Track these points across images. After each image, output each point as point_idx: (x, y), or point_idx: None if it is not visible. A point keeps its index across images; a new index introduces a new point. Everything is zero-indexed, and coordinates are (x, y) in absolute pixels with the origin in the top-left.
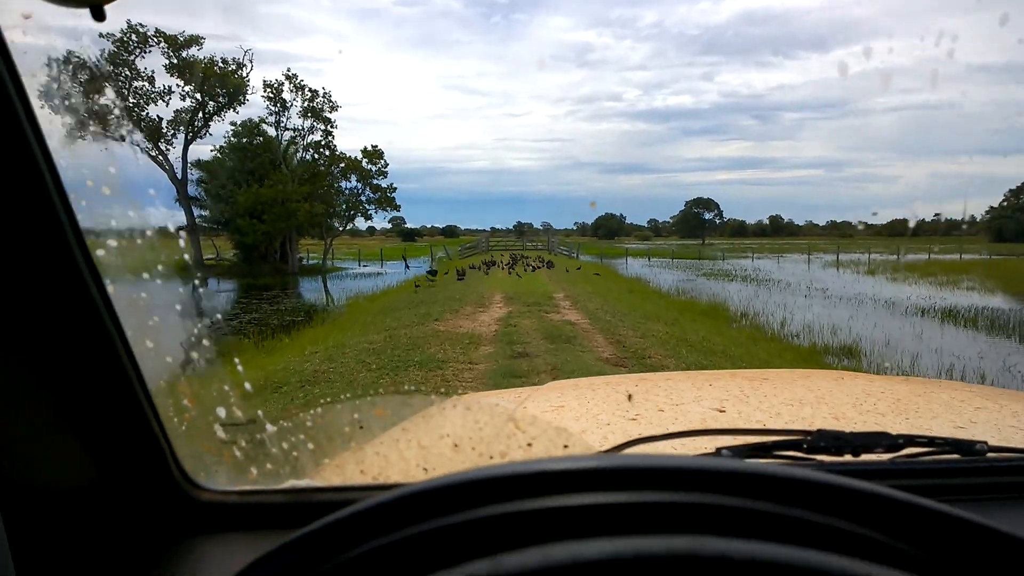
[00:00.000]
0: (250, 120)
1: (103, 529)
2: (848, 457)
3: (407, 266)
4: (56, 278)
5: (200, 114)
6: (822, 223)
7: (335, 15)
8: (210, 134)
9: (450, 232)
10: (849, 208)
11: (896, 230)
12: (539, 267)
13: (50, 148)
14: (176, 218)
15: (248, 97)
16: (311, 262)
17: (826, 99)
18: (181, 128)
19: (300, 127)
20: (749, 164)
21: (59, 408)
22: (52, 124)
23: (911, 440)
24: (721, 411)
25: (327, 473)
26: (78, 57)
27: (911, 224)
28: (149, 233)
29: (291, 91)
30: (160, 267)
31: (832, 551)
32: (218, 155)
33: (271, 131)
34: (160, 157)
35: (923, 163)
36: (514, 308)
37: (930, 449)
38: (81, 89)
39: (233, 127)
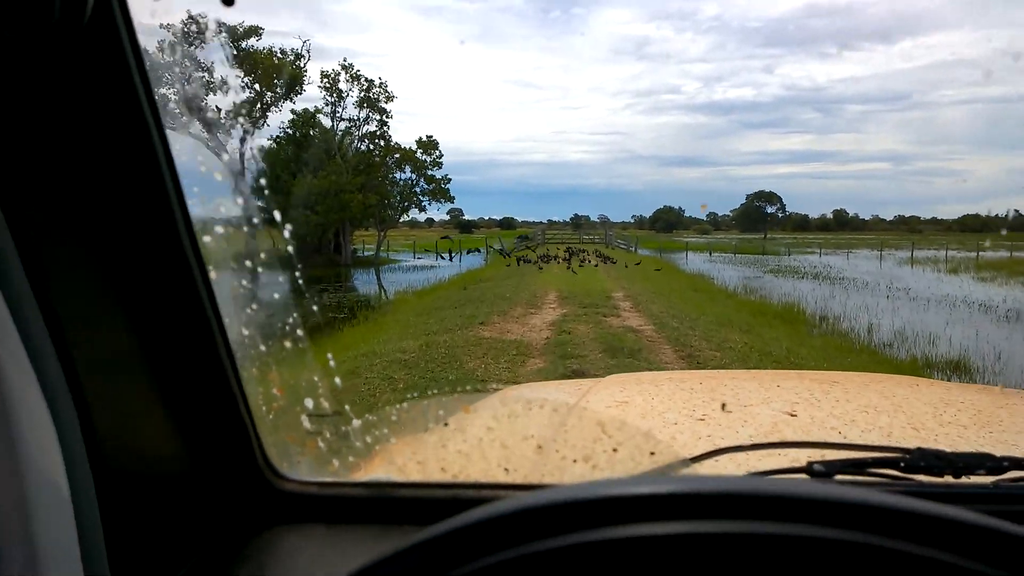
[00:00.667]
0: (306, 110)
1: (190, 514)
2: (948, 479)
3: (444, 255)
4: (164, 263)
5: (258, 105)
6: (889, 218)
7: (399, 10)
8: (267, 125)
9: (507, 224)
10: (916, 203)
11: (968, 226)
12: (597, 262)
13: (169, 141)
14: (233, 210)
15: (306, 88)
16: (366, 254)
17: (892, 91)
18: (239, 118)
19: (356, 117)
20: (811, 157)
21: (156, 393)
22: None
23: (1017, 463)
24: (792, 415)
25: (409, 468)
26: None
27: (985, 219)
28: (232, 225)
29: (347, 81)
30: (251, 257)
31: None
32: (275, 145)
33: (327, 122)
34: (218, 148)
35: (995, 157)
36: (569, 310)
37: None
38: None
39: (294, 115)
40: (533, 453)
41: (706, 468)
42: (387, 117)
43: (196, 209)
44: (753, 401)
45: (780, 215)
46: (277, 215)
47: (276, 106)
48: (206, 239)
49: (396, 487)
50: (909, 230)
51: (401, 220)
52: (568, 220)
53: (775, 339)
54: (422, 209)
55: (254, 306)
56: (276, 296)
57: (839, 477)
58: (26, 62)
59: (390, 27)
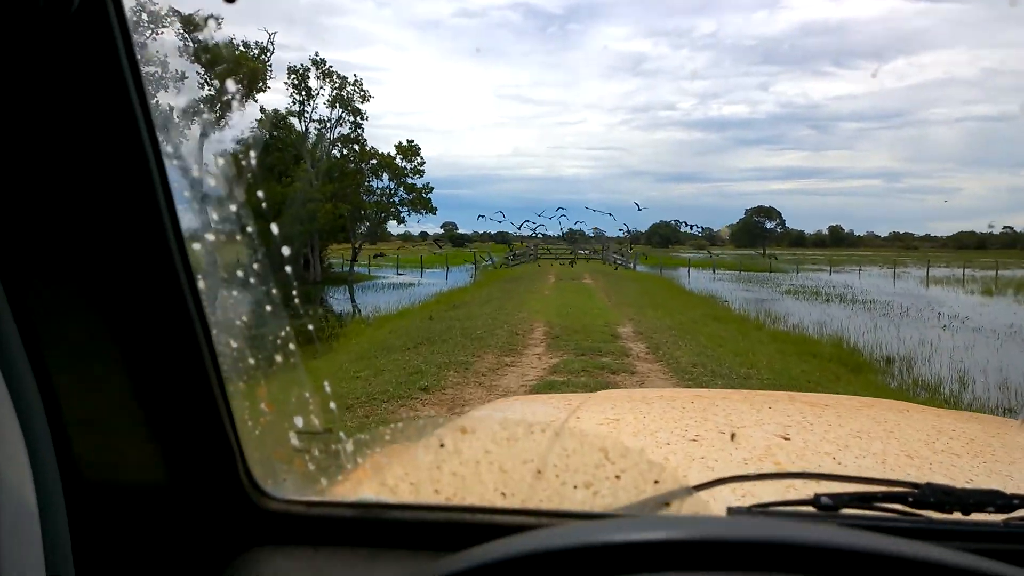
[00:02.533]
0: (276, 111)
1: (165, 531)
2: (957, 515)
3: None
4: (151, 270)
5: (218, 104)
6: (883, 234)
7: (396, 25)
8: (229, 126)
9: (502, 238)
10: (909, 219)
11: (963, 242)
12: (593, 282)
13: (162, 153)
14: (210, 218)
15: (270, 84)
16: (345, 269)
17: (885, 109)
18: (196, 119)
19: (327, 119)
20: (805, 174)
21: (135, 404)
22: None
23: None
24: (786, 438)
25: (401, 489)
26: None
27: (979, 236)
28: (211, 233)
29: (318, 78)
30: (240, 268)
31: None
32: (238, 149)
33: (298, 124)
34: (174, 152)
35: (985, 175)
36: (560, 358)
37: None
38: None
39: (263, 115)
40: (532, 478)
41: (708, 497)
42: (362, 119)
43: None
44: (746, 423)
45: (779, 230)
46: (242, 226)
47: (240, 104)
48: (195, 246)
49: (387, 508)
50: (904, 246)
51: (394, 233)
52: (563, 234)
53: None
54: (400, 221)
55: (243, 317)
56: (263, 309)
57: (846, 511)
58: (10, 52)
59: (387, 42)
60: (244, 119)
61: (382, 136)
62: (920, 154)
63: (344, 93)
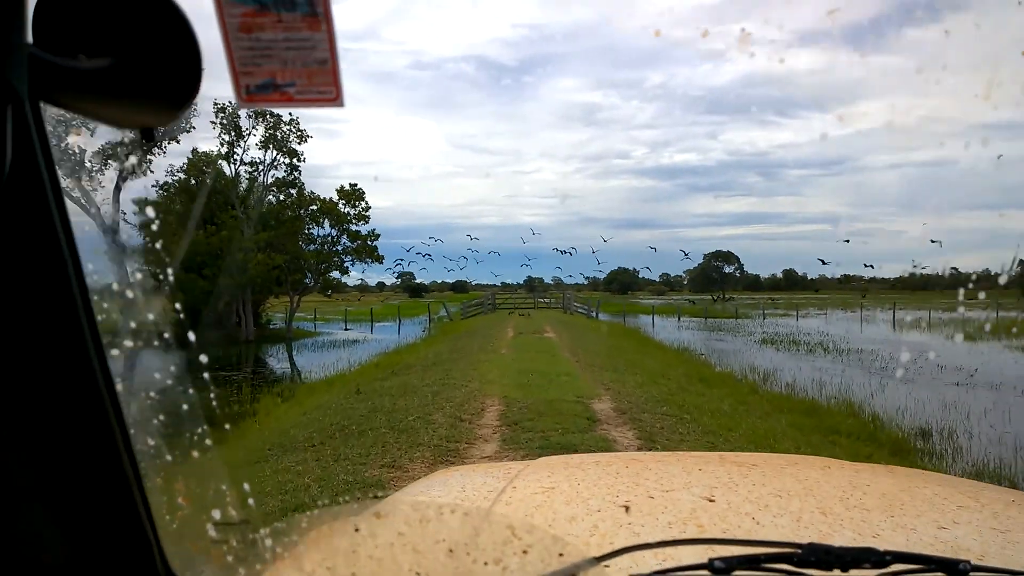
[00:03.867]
0: (203, 153)
1: None
2: (837, 573)
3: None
4: (54, 335)
5: (137, 146)
6: (834, 277)
7: (352, 77)
8: (151, 171)
9: (460, 287)
10: (855, 262)
11: (908, 284)
12: (556, 335)
13: (67, 199)
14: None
15: (195, 123)
16: (285, 324)
17: (828, 157)
18: (111, 162)
19: (260, 161)
20: (756, 219)
21: (51, 492)
22: None
23: (899, 557)
24: (711, 500)
25: (318, 575)
26: None
27: (924, 277)
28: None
29: (250, 117)
30: (158, 328)
31: None
32: (162, 194)
33: (226, 167)
34: (84, 199)
35: (924, 218)
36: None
37: (916, 567)
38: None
39: (189, 158)
40: (444, 557)
41: (613, 569)
42: (299, 160)
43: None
44: (674, 486)
45: (738, 275)
46: (161, 280)
47: (160, 148)
48: (104, 305)
49: None
50: (855, 288)
51: (349, 284)
52: (522, 283)
53: None
54: (344, 271)
55: (157, 388)
56: (180, 378)
57: (737, 574)
58: None
59: (346, 94)
60: (167, 163)
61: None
62: (863, 199)
63: (279, 133)
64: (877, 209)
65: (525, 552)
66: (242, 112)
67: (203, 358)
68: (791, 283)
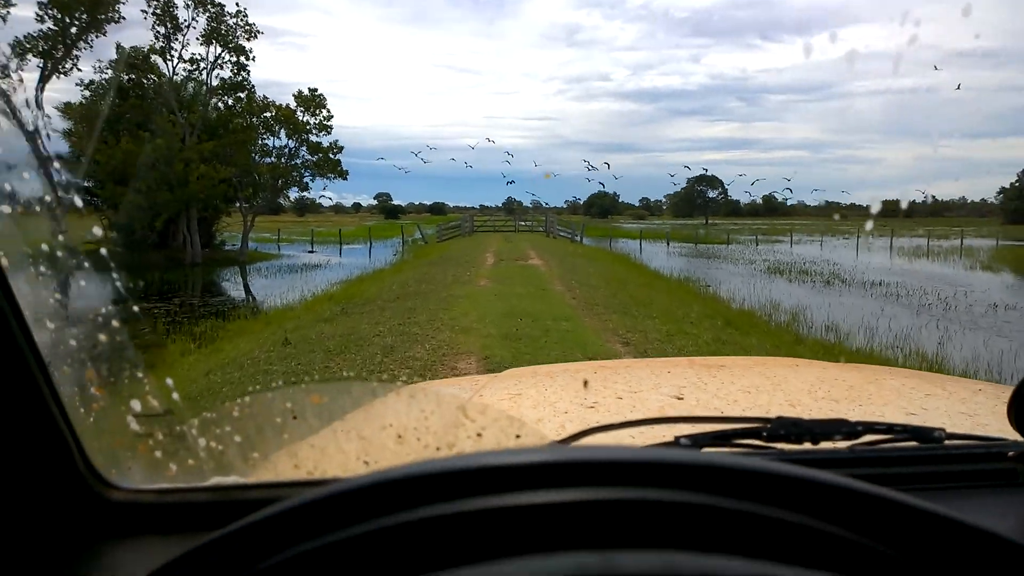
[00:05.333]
0: (134, 48)
1: None
2: (807, 445)
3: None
4: None
5: (61, 39)
6: (813, 203)
7: None
8: (78, 68)
9: (438, 209)
10: (833, 189)
11: (889, 210)
12: (543, 263)
13: None
14: (30, 185)
15: (125, 12)
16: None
17: (809, 82)
18: (30, 58)
19: (201, 58)
20: (737, 145)
21: None
22: None
23: (870, 427)
24: (679, 398)
25: (257, 469)
26: None
27: (903, 205)
28: (23, 202)
29: (188, 6)
30: (48, 245)
31: (808, 559)
32: (87, 95)
33: (161, 64)
34: (3, 100)
35: (904, 145)
36: None
37: (888, 436)
38: None
39: (118, 53)
40: (393, 443)
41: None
42: (247, 59)
43: None
44: (643, 388)
45: (721, 199)
46: (79, 195)
47: (86, 41)
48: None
49: (244, 489)
50: (839, 215)
51: (324, 204)
52: (501, 205)
53: None
54: (303, 187)
55: (55, 300)
56: (86, 291)
57: (705, 450)
58: None
59: (315, 6)
60: (93, 58)
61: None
62: (843, 125)
63: (222, 27)
64: (857, 136)
65: (479, 435)
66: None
67: (119, 284)
68: (770, 209)
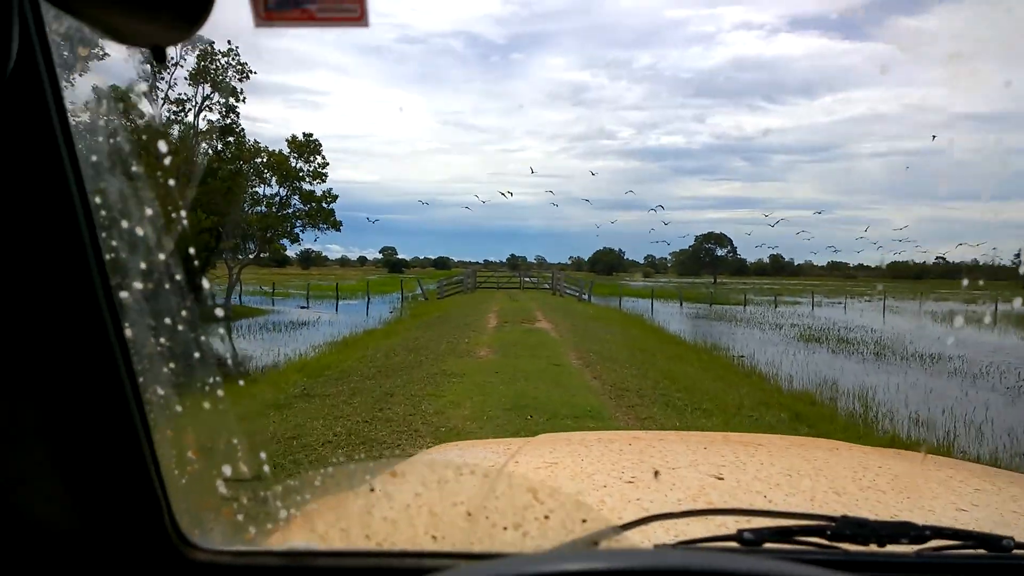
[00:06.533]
0: (115, 88)
1: None
2: (873, 547)
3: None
4: (68, 297)
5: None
6: (820, 263)
7: (338, 49)
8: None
9: (442, 264)
10: (838, 249)
11: (900, 272)
12: (552, 326)
13: (80, 160)
14: None
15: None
16: (233, 300)
17: (813, 143)
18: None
19: (189, 98)
20: (741, 204)
21: (55, 444)
22: None
23: (938, 532)
24: (719, 478)
25: (331, 536)
26: None
27: (914, 266)
28: None
29: (176, 43)
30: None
31: None
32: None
33: (145, 105)
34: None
35: (909, 207)
36: None
37: (957, 543)
38: None
39: (96, 93)
40: (462, 520)
41: (637, 535)
42: (238, 100)
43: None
44: (680, 464)
45: (730, 257)
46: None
47: (67, 79)
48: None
49: (317, 556)
50: (843, 275)
51: (331, 257)
52: (504, 261)
53: None
54: (294, 239)
55: (170, 362)
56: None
57: (768, 545)
58: None
59: (328, 65)
60: (80, 97)
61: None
62: (848, 186)
63: (211, 65)
64: (862, 197)
65: (547, 517)
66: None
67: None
68: (777, 268)
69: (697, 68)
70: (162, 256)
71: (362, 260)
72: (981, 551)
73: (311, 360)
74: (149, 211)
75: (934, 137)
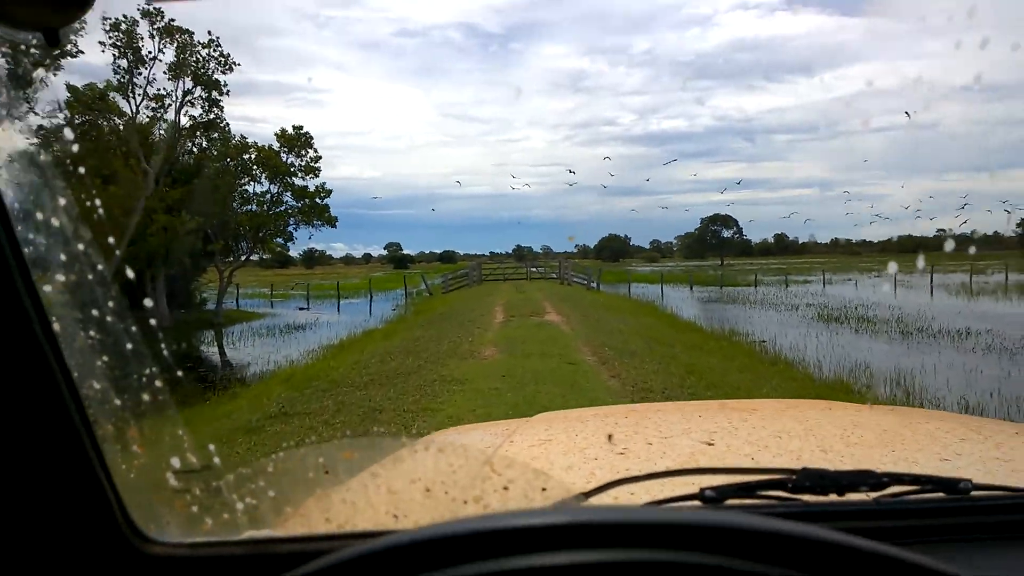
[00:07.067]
0: (92, 86)
1: None
2: (833, 497)
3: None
4: None
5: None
6: (824, 240)
7: (337, 46)
8: (35, 112)
9: (448, 257)
10: (843, 226)
11: (905, 246)
12: (562, 318)
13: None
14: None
15: (80, 44)
16: (225, 304)
17: (814, 121)
18: None
19: (168, 94)
20: (743, 185)
21: None
22: None
23: (896, 478)
24: (710, 444)
25: (290, 522)
26: None
27: (917, 239)
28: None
29: (153, 36)
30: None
31: None
32: (38, 141)
33: (123, 103)
34: None
35: (910, 182)
36: None
37: (915, 488)
38: None
39: (72, 92)
40: (421, 496)
41: (600, 501)
42: (221, 94)
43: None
44: (674, 432)
45: (736, 239)
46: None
47: (41, 79)
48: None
49: (277, 543)
50: (850, 252)
51: (335, 256)
52: (510, 252)
53: None
54: (288, 237)
55: (104, 357)
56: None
57: (730, 502)
58: None
59: (327, 62)
60: (50, 96)
61: (325, 159)
62: (849, 163)
63: (192, 58)
64: (863, 173)
65: (506, 488)
66: (143, 30)
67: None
68: (781, 247)
69: (696, 50)
70: (81, 247)
71: (367, 257)
72: (940, 494)
73: (299, 369)
74: (63, 200)
75: (908, 115)
